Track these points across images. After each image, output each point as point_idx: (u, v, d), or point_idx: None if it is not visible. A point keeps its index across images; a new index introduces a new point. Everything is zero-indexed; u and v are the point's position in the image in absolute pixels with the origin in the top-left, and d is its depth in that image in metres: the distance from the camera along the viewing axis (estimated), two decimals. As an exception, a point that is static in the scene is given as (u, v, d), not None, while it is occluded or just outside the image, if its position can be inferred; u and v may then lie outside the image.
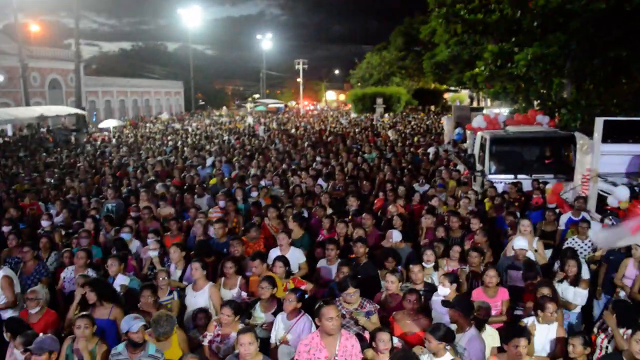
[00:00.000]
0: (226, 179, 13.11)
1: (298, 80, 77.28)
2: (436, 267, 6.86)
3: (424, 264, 6.56)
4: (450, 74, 36.27)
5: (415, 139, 22.76)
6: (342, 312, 5.37)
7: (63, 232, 9.36)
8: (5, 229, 9.10)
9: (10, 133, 32.14)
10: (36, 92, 41.25)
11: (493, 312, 5.81)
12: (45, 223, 9.54)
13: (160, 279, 6.47)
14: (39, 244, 8.32)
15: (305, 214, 9.76)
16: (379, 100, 48.80)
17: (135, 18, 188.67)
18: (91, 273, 7.07)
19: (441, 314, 5.54)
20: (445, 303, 5.26)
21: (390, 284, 5.94)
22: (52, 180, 14.63)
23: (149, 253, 7.53)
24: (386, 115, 44.27)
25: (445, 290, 5.74)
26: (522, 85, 18.85)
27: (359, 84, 64.09)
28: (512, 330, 4.84)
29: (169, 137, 28.02)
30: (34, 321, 5.90)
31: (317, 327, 5.07)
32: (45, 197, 12.37)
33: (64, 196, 12.20)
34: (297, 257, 7.40)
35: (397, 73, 60.84)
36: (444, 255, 7.24)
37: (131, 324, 4.94)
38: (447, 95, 64.75)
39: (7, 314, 6.82)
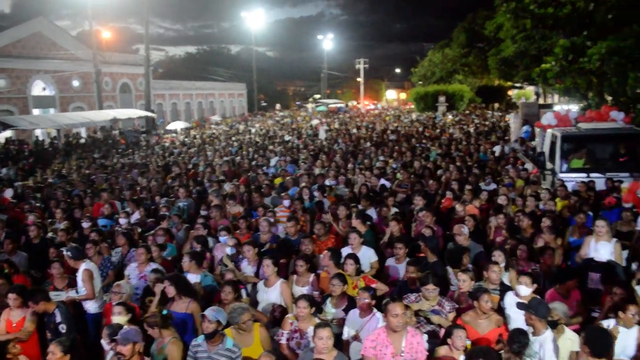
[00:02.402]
0: (289, 178, 13.33)
1: (358, 79, 77.23)
2: (506, 267, 6.77)
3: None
4: (516, 70, 35.27)
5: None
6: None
7: (139, 230, 9.82)
8: (85, 225, 9.66)
9: (84, 135, 33.74)
10: (108, 96, 43.07)
11: (569, 314, 5.67)
12: (123, 221, 10.01)
13: (227, 278, 6.69)
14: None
15: (374, 213, 9.77)
16: (442, 99, 48.07)
17: (199, 22, 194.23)
18: (154, 267, 7.36)
19: (515, 313, 5.46)
20: (521, 305, 5.17)
21: (462, 282, 5.92)
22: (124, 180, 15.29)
23: (226, 250, 7.77)
24: (448, 114, 43.55)
25: (526, 290, 5.63)
26: (594, 80, 18.14)
27: (421, 82, 63.24)
28: (593, 334, 4.69)
29: (234, 138, 28.66)
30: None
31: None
32: (118, 196, 12.95)
33: (138, 195, 12.73)
34: (368, 256, 7.45)
35: (460, 70, 59.64)
36: (514, 255, 7.11)
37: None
38: (511, 92, 62.98)
39: (91, 307, 7.23)
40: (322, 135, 24.90)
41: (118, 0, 46.92)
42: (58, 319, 6.13)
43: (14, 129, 27.94)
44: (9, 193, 14.20)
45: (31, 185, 15.75)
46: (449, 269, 6.73)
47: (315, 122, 37.85)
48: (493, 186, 11.78)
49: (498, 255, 6.63)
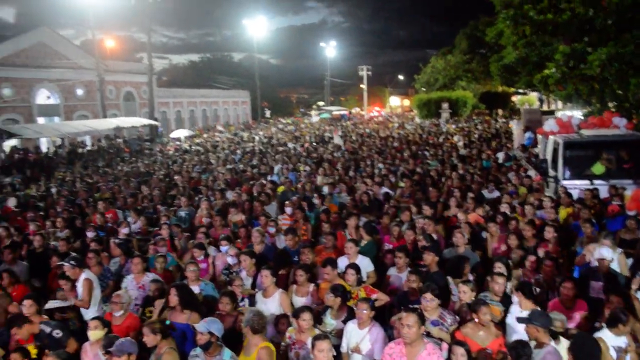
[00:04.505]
0: (293, 187, 13.32)
1: (362, 86, 77.32)
2: (509, 277, 6.72)
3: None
4: (519, 76, 35.24)
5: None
6: None
7: (138, 239, 9.83)
8: (90, 234, 9.67)
9: (89, 143, 33.88)
10: (112, 104, 43.21)
11: (571, 325, 5.62)
12: (124, 231, 10.01)
13: (235, 286, 6.67)
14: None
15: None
16: (445, 105, 48.09)
17: (202, 30, 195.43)
18: (151, 278, 7.39)
19: (518, 325, 5.40)
20: (521, 320, 5.08)
21: (463, 294, 5.86)
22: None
23: (227, 259, 7.75)
24: (451, 120, 43.52)
25: (524, 304, 5.57)
26: (596, 86, 18.07)
27: (424, 88, 63.30)
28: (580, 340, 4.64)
29: (237, 146, 28.70)
30: (117, 323, 6.25)
31: (388, 337, 5.11)
32: (123, 205, 12.96)
33: (140, 204, 12.73)
34: (365, 265, 7.38)
35: (462, 77, 59.61)
36: (517, 265, 7.06)
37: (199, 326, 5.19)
38: (515, 98, 62.88)
39: (89, 314, 7.20)
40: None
41: (121, 9, 47.25)
42: (47, 329, 6.11)
43: (19, 138, 28.08)
44: (12, 202, 14.27)
45: (34, 194, 15.81)
46: (450, 279, 6.68)
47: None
48: (496, 194, 11.73)
49: (499, 267, 6.56)
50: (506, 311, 5.86)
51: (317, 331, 5.44)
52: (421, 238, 7.85)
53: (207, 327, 5.11)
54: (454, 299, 6.36)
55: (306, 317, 5.40)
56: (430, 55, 71.48)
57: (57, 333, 6.07)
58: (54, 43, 38.01)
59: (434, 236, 8.21)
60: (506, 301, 6.00)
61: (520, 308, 5.57)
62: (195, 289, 6.90)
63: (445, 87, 58.69)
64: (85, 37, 61.89)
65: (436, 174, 14.38)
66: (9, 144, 28.40)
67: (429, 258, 6.94)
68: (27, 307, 6.26)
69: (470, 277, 6.58)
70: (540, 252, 7.35)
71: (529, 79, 31.18)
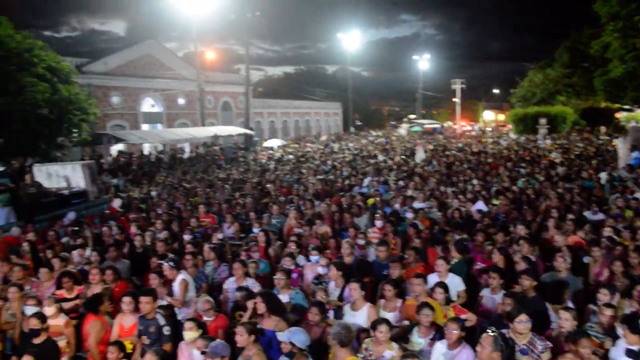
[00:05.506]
0: (378, 200, 13.22)
1: (454, 100, 75.80)
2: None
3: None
4: (625, 91, 33.13)
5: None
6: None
7: (230, 244, 10.12)
8: (187, 237, 10.09)
9: (187, 150, 35.54)
10: (210, 113, 45.18)
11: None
12: (218, 235, 10.36)
13: (319, 297, 6.70)
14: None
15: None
16: (542, 121, 46.03)
17: (297, 43, 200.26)
18: (251, 283, 7.54)
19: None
20: (631, 354, 4.72)
21: (565, 321, 5.52)
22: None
23: (318, 269, 7.82)
24: (548, 136, 41.60)
25: (630, 338, 5.16)
26: None
27: (520, 103, 60.99)
28: None
29: (328, 157, 28.92)
30: (207, 324, 6.45)
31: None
32: (218, 210, 13.40)
33: (234, 210, 13.12)
34: (456, 284, 7.21)
35: (562, 91, 56.87)
36: (624, 295, 6.58)
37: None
38: (619, 115, 59.16)
39: (182, 314, 7.49)
40: (420, 156, 24.51)
41: (221, 23, 49.30)
42: (162, 322, 6.47)
43: (125, 143, 30.02)
44: (117, 203, 15.20)
45: (136, 196, 16.73)
46: (548, 306, 6.33)
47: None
48: (600, 216, 11.05)
49: (604, 294, 6.14)
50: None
51: (394, 345, 5.42)
52: (518, 260, 7.52)
53: (288, 337, 5.19)
54: (552, 326, 6.02)
55: (383, 329, 5.38)
56: (528, 68, 68.99)
57: (167, 330, 6.43)
58: (160, 55, 40.39)
59: (532, 258, 7.84)
60: (613, 334, 5.60)
61: (626, 343, 5.18)
62: (285, 297, 7.00)
63: (543, 101, 56.23)
64: (188, 50, 65.26)
65: (533, 193, 13.76)
66: (116, 148, 30.42)
67: (527, 282, 6.59)
68: (126, 304, 6.66)
69: (570, 304, 6.20)
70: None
71: (637, 95, 29.34)
